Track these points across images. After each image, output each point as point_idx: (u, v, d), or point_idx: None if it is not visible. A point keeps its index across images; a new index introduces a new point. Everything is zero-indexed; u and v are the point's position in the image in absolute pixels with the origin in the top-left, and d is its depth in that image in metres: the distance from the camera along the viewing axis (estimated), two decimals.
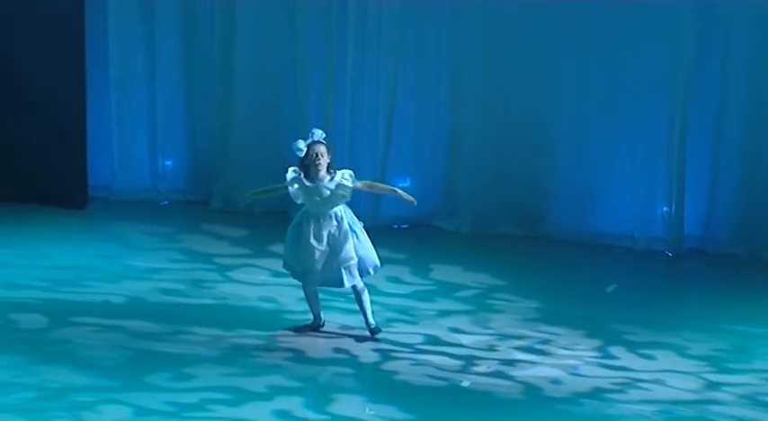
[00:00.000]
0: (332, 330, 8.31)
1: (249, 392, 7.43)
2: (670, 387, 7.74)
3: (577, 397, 7.57)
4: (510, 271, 9.58)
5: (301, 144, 8.04)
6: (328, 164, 8.03)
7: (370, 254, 8.15)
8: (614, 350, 8.23)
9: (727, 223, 10.10)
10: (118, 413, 7.14)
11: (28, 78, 10.61)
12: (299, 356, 7.96)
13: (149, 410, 7.18)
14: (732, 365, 8.08)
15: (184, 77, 10.94)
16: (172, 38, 10.85)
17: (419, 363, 7.94)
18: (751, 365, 8.09)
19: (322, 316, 8.32)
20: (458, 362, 7.95)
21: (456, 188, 10.45)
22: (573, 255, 10.06)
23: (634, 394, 7.63)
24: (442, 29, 10.36)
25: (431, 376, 7.77)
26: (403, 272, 9.44)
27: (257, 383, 7.54)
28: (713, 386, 7.78)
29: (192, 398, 7.33)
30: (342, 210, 8.08)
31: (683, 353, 8.23)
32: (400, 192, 8.27)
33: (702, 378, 7.88)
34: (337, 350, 8.08)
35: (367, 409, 7.34)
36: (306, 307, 8.46)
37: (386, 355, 8.04)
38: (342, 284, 8.09)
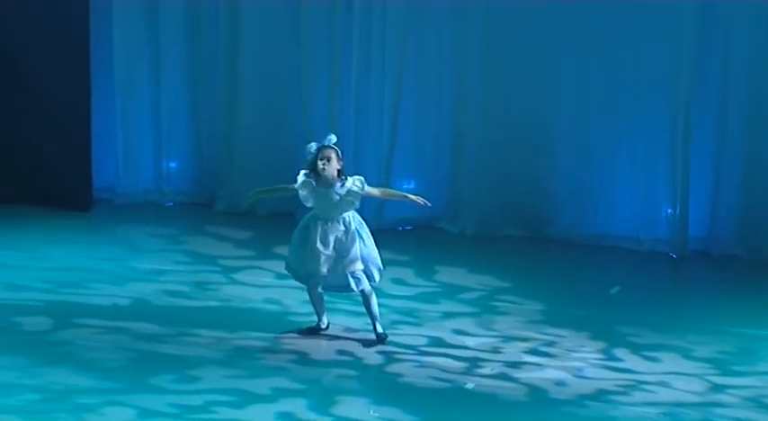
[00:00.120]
0: (336, 332, 8.30)
1: (253, 394, 7.43)
2: (674, 389, 7.73)
3: (582, 399, 7.56)
4: (514, 273, 9.57)
5: (313, 147, 8.03)
6: (339, 170, 8.00)
7: (375, 259, 8.12)
8: (619, 352, 8.22)
9: (730, 225, 10.10)
10: (121, 415, 7.13)
11: (33, 81, 10.62)
12: (302, 358, 7.96)
13: (153, 412, 7.18)
14: (736, 368, 8.07)
15: (189, 80, 10.95)
16: (176, 41, 10.86)
17: (423, 365, 7.93)
18: (755, 368, 8.08)
19: (325, 319, 8.31)
20: (462, 364, 7.95)
21: (460, 190, 10.45)
22: (577, 256, 10.06)
23: (638, 396, 7.62)
24: (445, 32, 10.37)
25: (435, 378, 7.77)
26: (407, 274, 9.44)
27: (261, 385, 7.54)
28: (718, 388, 7.77)
29: (195, 400, 7.33)
30: (350, 215, 8.06)
31: (687, 355, 8.22)
32: (412, 197, 8.23)
33: (707, 380, 7.87)
34: (341, 352, 8.08)
35: (371, 411, 7.34)
36: (311, 309, 8.46)
37: (390, 357, 8.03)
38: (349, 290, 8.08)
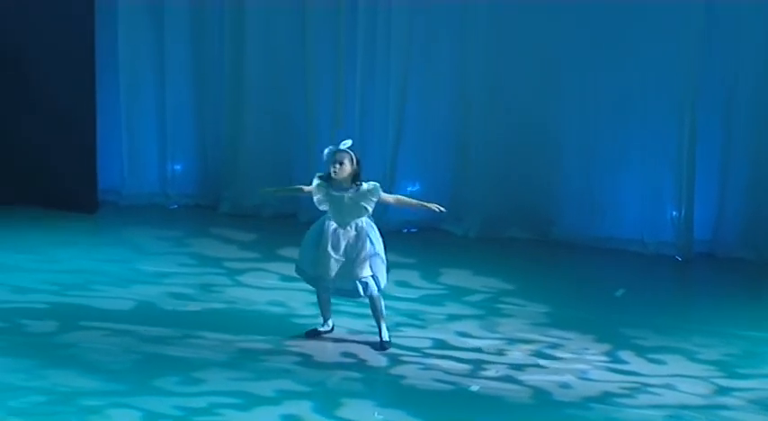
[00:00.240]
0: (340, 334, 8.30)
1: (258, 397, 7.43)
2: (679, 392, 7.73)
3: (587, 401, 7.56)
4: (519, 275, 9.57)
5: (328, 151, 8.01)
6: (354, 174, 7.99)
7: (382, 274, 8.10)
8: (624, 354, 8.21)
9: (736, 227, 10.09)
10: (126, 417, 7.14)
11: (38, 83, 10.63)
12: (307, 361, 7.96)
13: (158, 414, 7.18)
14: (742, 370, 8.07)
15: (194, 82, 10.96)
16: (181, 43, 10.87)
17: (428, 368, 7.93)
18: (761, 370, 8.07)
19: (330, 322, 8.31)
20: (466, 367, 7.95)
21: (464, 192, 10.45)
22: (582, 259, 10.06)
23: (643, 399, 7.61)
24: (450, 34, 10.37)
25: (439, 380, 7.77)
26: (412, 276, 9.44)
27: (266, 387, 7.54)
28: (723, 391, 7.76)
29: (200, 402, 7.33)
30: (364, 221, 8.04)
31: (692, 357, 8.21)
32: (427, 204, 8.21)
33: (712, 383, 7.87)
34: (346, 354, 8.08)
35: (376, 414, 7.34)
36: (315, 311, 8.47)
37: (394, 360, 8.03)
38: (357, 295, 8.08)
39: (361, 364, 7.95)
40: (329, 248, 7.96)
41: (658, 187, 10.17)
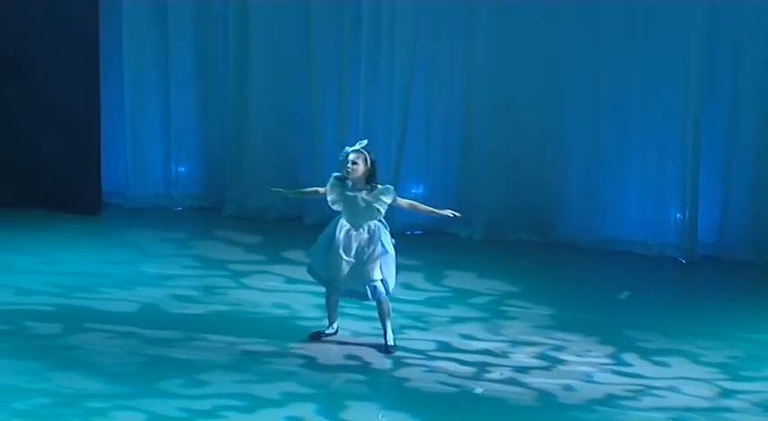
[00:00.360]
0: (344, 337, 8.30)
1: (262, 399, 7.43)
2: (683, 394, 7.72)
3: (591, 403, 7.56)
4: (523, 277, 9.57)
5: (345, 151, 8.00)
6: (369, 176, 7.98)
7: (391, 277, 8.09)
8: (628, 357, 8.21)
9: (740, 230, 10.08)
10: (131, 419, 7.14)
11: (43, 85, 10.64)
12: (311, 363, 7.96)
13: (162, 417, 7.18)
14: (746, 373, 8.06)
15: (198, 84, 10.96)
16: (186, 44, 10.88)
17: (432, 370, 7.93)
18: (765, 373, 8.06)
19: (336, 325, 8.30)
20: (471, 369, 7.94)
21: (469, 195, 10.44)
22: (586, 261, 10.05)
23: (647, 401, 7.61)
24: (454, 36, 10.37)
25: (443, 383, 7.77)
26: (416, 278, 9.44)
27: (270, 390, 7.54)
28: (727, 394, 7.76)
29: (204, 404, 7.33)
30: (377, 225, 8.03)
31: (696, 360, 8.21)
32: (439, 211, 8.20)
33: (716, 385, 7.86)
34: (349, 357, 8.08)
35: (380, 416, 7.34)
36: (320, 313, 8.47)
37: (398, 362, 8.03)
38: (366, 298, 8.08)
39: (365, 367, 7.95)
40: (341, 251, 7.96)
41: (662, 189, 10.17)
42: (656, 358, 8.20)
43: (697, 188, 10.04)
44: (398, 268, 8.40)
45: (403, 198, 8.37)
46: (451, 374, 7.86)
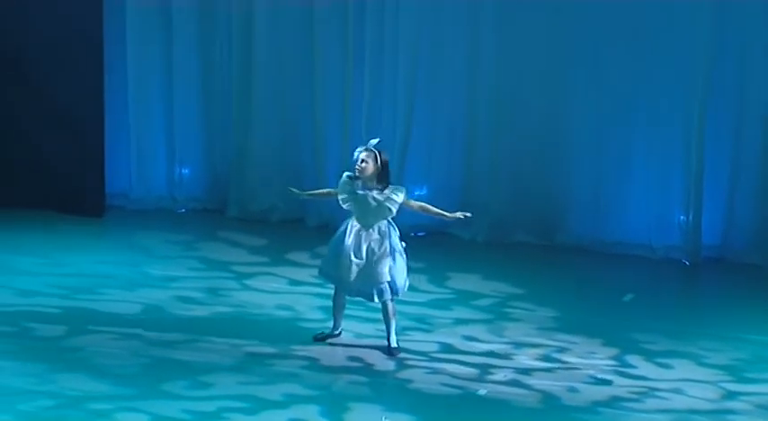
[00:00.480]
0: (347, 338, 8.30)
1: (266, 401, 7.43)
2: (687, 396, 7.72)
3: (595, 405, 7.55)
4: (527, 279, 9.56)
5: (357, 150, 8.00)
6: (380, 175, 7.95)
7: (400, 278, 8.09)
8: (631, 359, 8.21)
9: (745, 232, 10.08)
10: None
11: (47, 87, 10.65)
12: (314, 365, 7.96)
13: (166, 418, 7.18)
14: (750, 375, 8.06)
15: (201, 85, 10.97)
16: (189, 46, 10.88)
17: (435, 372, 7.93)
18: None
19: (340, 328, 8.30)
20: (474, 371, 7.94)
21: (472, 196, 10.44)
22: (590, 263, 10.05)
23: (651, 403, 7.61)
24: (458, 37, 10.37)
25: (447, 385, 7.76)
26: (420, 280, 9.43)
27: (273, 391, 7.54)
28: (731, 396, 7.75)
29: (208, 406, 7.33)
30: (388, 227, 8.03)
31: (700, 362, 8.21)
32: (450, 214, 8.18)
33: (720, 387, 7.86)
34: (353, 358, 8.08)
35: (383, 418, 7.34)
36: (323, 315, 8.47)
37: (401, 364, 8.03)
38: (372, 299, 8.07)
39: (368, 368, 7.95)
40: (351, 254, 7.94)
41: (667, 191, 10.16)
42: (660, 360, 8.20)
43: (701, 190, 10.04)
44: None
45: (422, 203, 8.35)
46: (455, 376, 7.86)
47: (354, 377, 7.82)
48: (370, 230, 7.98)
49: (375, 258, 7.96)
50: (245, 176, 10.85)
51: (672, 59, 9.98)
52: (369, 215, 7.98)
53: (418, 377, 7.85)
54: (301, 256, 9.90)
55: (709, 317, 9.08)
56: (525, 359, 8.14)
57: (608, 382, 7.86)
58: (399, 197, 7.96)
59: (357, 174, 7.93)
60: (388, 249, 7.98)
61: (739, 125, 10.02)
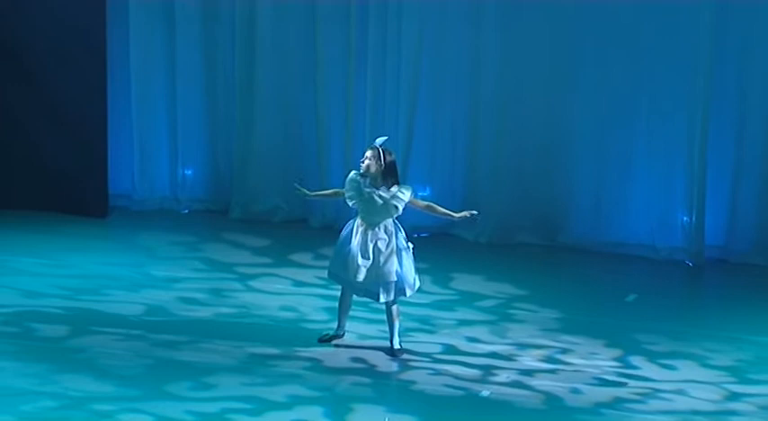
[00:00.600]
0: (351, 340, 8.30)
1: (269, 402, 7.43)
2: (691, 397, 7.72)
3: (598, 407, 7.55)
4: (530, 280, 9.56)
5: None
6: (385, 174, 7.93)
7: (410, 276, 8.09)
8: (635, 360, 8.21)
9: (748, 233, 10.07)
10: None
11: (50, 88, 10.65)
12: (317, 366, 7.96)
13: (169, 419, 7.18)
14: (753, 376, 8.05)
15: (205, 86, 10.97)
16: (192, 48, 10.88)
17: (438, 373, 7.93)
18: None
19: (344, 329, 8.30)
20: (477, 372, 7.94)
21: (475, 197, 10.43)
22: (593, 264, 10.05)
23: (654, 404, 7.60)
24: (461, 38, 10.37)
25: (450, 386, 7.76)
26: (423, 281, 9.40)
27: (277, 393, 7.54)
28: (734, 397, 7.75)
29: (212, 407, 7.33)
30: (394, 226, 8.03)
31: (703, 363, 8.21)
32: (457, 214, 8.16)
33: (723, 388, 7.86)
34: (356, 359, 8.08)
35: (386, 419, 7.34)
36: (326, 316, 8.47)
37: (405, 365, 8.03)
38: (378, 299, 8.07)
39: (371, 370, 7.95)
40: (358, 254, 7.94)
41: (670, 192, 10.16)
42: (663, 361, 8.20)
43: (704, 191, 10.03)
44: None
45: (429, 202, 8.35)
46: (458, 377, 7.86)
47: (357, 378, 7.82)
48: (376, 229, 7.98)
49: (382, 258, 7.96)
50: (249, 177, 10.86)
51: (674, 61, 9.98)
52: (374, 213, 7.97)
53: (421, 378, 7.85)
54: (305, 257, 9.90)
55: (713, 319, 9.08)
56: (528, 360, 8.14)
57: (611, 383, 7.85)
58: (406, 195, 7.96)
59: (363, 171, 7.93)
60: (394, 249, 7.98)
61: (742, 126, 10.02)
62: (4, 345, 8.09)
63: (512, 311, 8.99)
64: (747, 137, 10.03)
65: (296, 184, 8.32)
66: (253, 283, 9.37)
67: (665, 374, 8.02)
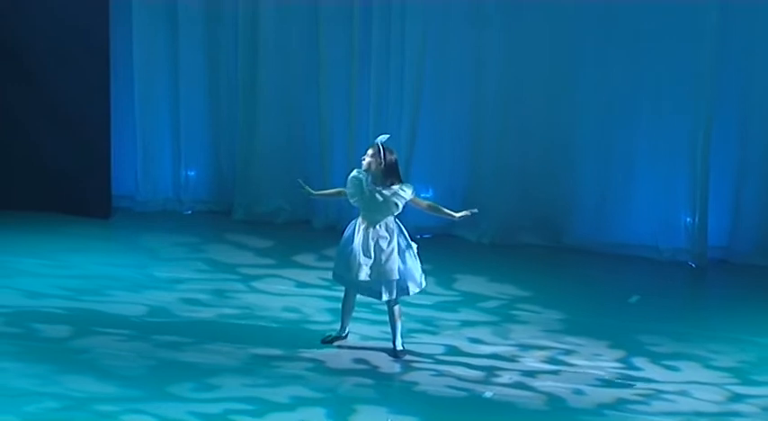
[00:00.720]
0: (353, 341, 8.30)
1: (272, 403, 7.43)
2: (694, 398, 7.71)
3: (600, 408, 7.55)
4: (533, 282, 9.56)
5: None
6: (386, 172, 7.93)
7: (415, 275, 8.09)
8: (638, 361, 8.20)
9: (751, 234, 10.07)
10: None
11: (53, 89, 10.66)
12: (320, 367, 7.96)
13: (172, 420, 7.18)
14: (756, 377, 8.05)
15: (207, 87, 10.97)
16: (195, 49, 10.89)
17: (441, 374, 7.93)
18: None
19: (347, 330, 8.29)
20: (480, 373, 7.94)
21: (478, 198, 10.42)
22: (596, 265, 10.04)
23: (657, 405, 7.60)
24: (464, 40, 10.37)
25: (452, 387, 7.76)
26: (427, 282, 9.41)
27: (280, 394, 7.54)
28: (737, 398, 7.74)
29: (215, 408, 7.33)
30: (395, 225, 8.03)
31: (706, 364, 8.20)
32: (458, 214, 8.16)
33: (726, 389, 7.85)
34: (358, 361, 8.08)
35: (389, 420, 7.34)
36: (329, 317, 8.47)
37: (407, 366, 8.03)
38: (379, 297, 8.07)
39: (374, 371, 7.95)
40: (360, 254, 7.94)
41: (673, 193, 10.16)
42: (666, 362, 8.19)
43: (707, 192, 10.03)
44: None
45: (431, 202, 8.34)
46: (460, 378, 7.86)
47: (360, 379, 7.82)
48: (377, 227, 7.98)
49: (383, 256, 7.96)
50: (252, 178, 10.86)
51: (677, 62, 9.97)
52: (375, 211, 7.98)
53: (424, 379, 7.85)
54: (308, 258, 9.90)
55: (716, 320, 9.07)
56: (531, 361, 8.14)
57: (614, 384, 7.85)
58: (406, 193, 7.96)
59: (365, 167, 7.94)
60: (396, 247, 7.98)
61: (745, 127, 10.02)
62: (6, 346, 8.10)
63: (515, 312, 8.99)
64: (750, 138, 10.02)
65: (299, 181, 8.31)
66: (256, 284, 9.37)
67: (668, 375, 8.01)
